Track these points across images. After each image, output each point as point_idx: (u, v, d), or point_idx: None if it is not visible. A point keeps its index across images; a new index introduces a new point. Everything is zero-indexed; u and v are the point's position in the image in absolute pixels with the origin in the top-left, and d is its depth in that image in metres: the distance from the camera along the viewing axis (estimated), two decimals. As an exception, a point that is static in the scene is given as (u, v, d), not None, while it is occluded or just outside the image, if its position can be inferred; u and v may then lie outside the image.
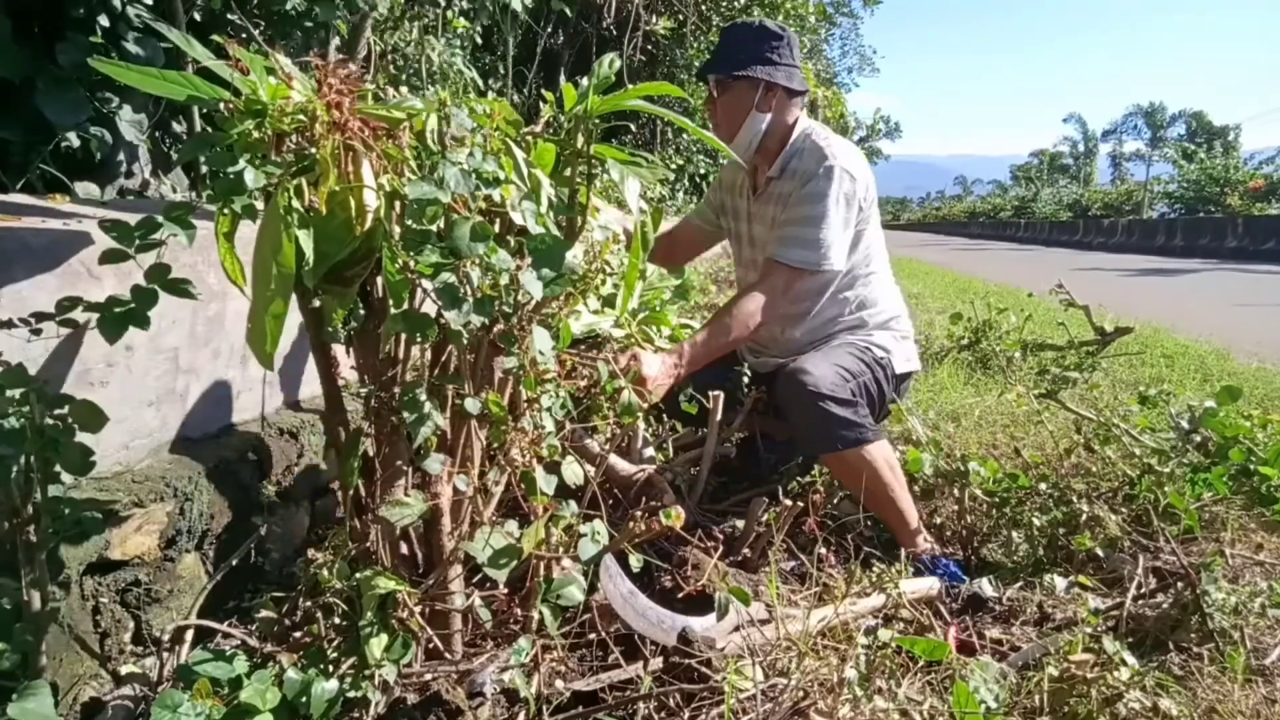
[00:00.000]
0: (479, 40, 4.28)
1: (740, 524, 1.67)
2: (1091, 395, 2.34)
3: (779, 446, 2.11)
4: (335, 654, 1.02)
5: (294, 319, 1.05)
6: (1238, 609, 1.25)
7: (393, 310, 1.04)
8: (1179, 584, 1.32)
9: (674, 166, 5.74)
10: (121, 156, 2.08)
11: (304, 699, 0.94)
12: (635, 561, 1.15)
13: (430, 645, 1.14)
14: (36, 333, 0.97)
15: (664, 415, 1.81)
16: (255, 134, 0.93)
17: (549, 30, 6.01)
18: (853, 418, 1.63)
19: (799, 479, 1.62)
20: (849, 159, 1.75)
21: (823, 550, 1.54)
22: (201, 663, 0.96)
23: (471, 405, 1.10)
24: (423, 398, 1.06)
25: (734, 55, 1.75)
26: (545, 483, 1.14)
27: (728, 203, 2.04)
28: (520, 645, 1.08)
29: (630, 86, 1.23)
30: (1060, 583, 1.41)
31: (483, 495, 1.22)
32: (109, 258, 0.95)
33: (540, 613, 1.12)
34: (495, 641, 1.23)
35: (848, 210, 1.72)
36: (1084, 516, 1.62)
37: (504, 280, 1.04)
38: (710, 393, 1.84)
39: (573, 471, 1.20)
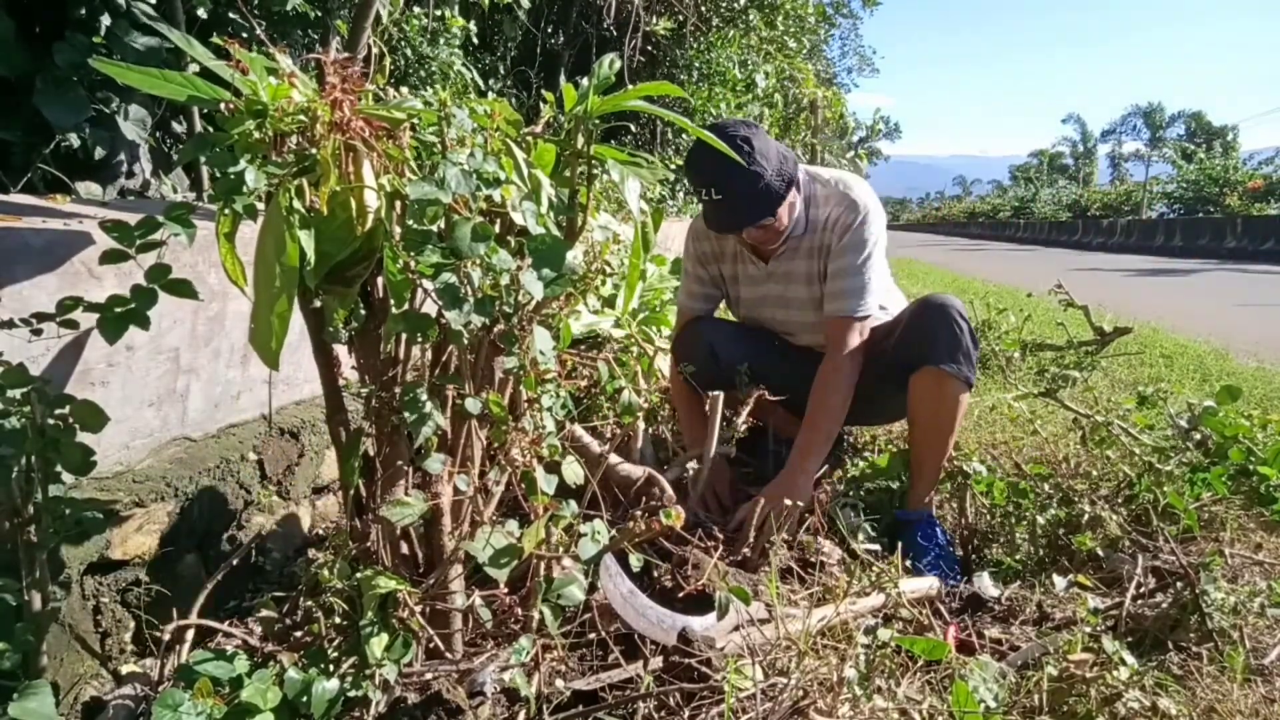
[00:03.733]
0: (474, 40, 4.27)
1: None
2: (1090, 395, 2.34)
3: (789, 442, 2.11)
4: (336, 653, 1.02)
5: (294, 319, 1.05)
6: (1237, 609, 1.25)
7: (393, 310, 1.04)
8: (1178, 584, 1.32)
9: (674, 166, 5.74)
10: (122, 157, 2.08)
11: (305, 698, 0.95)
12: (635, 561, 1.15)
13: (431, 645, 1.14)
14: (37, 333, 0.97)
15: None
16: (256, 134, 0.94)
17: (549, 31, 6.01)
18: (974, 358, 1.71)
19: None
20: (868, 196, 1.82)
21: (824, 548, 1.54)
22: (202, 662, 0.96)
23: (472, 405, 1.10)
24: (423, 398, 1.06)
25: (758, 196, 1.67)
26: (545, 482, 1.14)
27: (726, 271, 2.05)
28: (521, 645, 1.08)
29: (630, 87, 1.23)
30: (1060, 582, 1.41)
31: (483, 495, 1.22)
32: (109, 258, 0.95)
33: (540, 612, 1.12)
34: (495, 641, 1.23)
35: (881, 248, 1.84)
36: (1085, 517, 1.62)
37: (504, 280, 1.04)
38: (710, 393, 1.84)
39: (573, 471, 1.20)
